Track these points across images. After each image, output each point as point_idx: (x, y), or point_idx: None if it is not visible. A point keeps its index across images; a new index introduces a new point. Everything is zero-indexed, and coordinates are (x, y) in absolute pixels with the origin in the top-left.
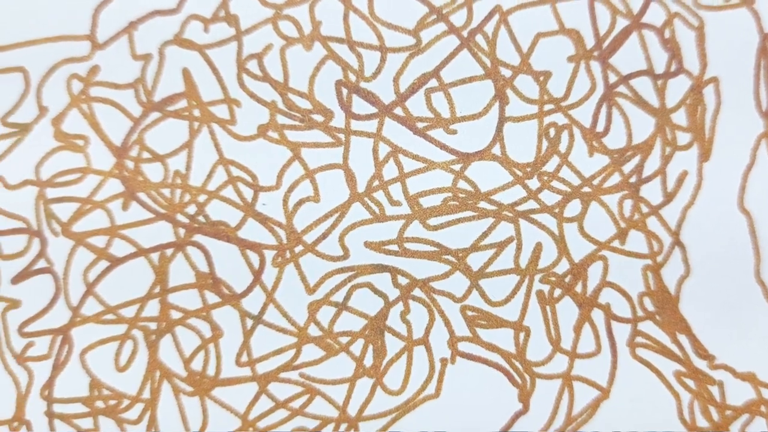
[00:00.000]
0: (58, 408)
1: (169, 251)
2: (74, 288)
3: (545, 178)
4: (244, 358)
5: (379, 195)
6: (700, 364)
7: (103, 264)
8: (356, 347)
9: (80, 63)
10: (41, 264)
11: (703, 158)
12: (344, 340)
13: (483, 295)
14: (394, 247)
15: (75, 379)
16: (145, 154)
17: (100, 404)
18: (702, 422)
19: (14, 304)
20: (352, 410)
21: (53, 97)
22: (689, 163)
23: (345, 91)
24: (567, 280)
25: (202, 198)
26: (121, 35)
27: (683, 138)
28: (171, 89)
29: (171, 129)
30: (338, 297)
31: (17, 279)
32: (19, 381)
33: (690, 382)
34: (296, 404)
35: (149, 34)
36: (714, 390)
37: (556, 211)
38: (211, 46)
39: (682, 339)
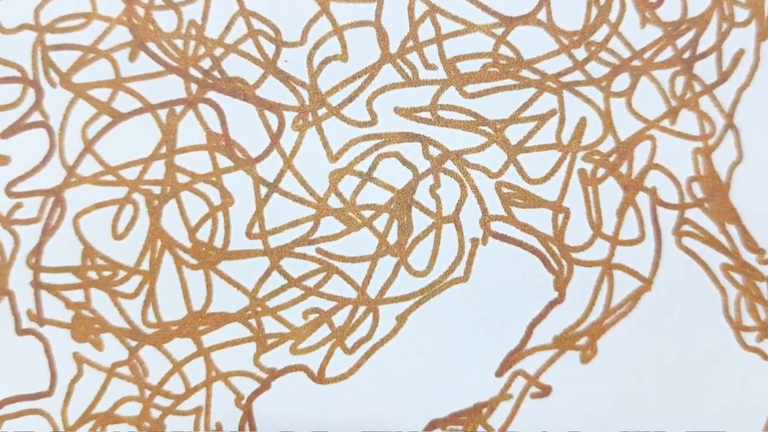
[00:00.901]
0: (45, 278)
1: (178, 108)
2: (71, 145)
3: (593, 48)
4: (256, 229)
5: (413, 57)
6: (750, 257)
7: (105, 119)
8: (380, 222)
9: None
10: (35, 117)
11: (762, 37)
12: (367, 213)
13: (520, 171)
14: (426, 115)
15: (66, 247)
16: (158, 1)
17: (92, 275)
18: (748, 320)
19: (3, 160)
20: (372, 291)
21: None
22: (746, 41)
23: None
24: (612, 159)
25: (218, 51)
26: None
27: (741, 14)
28: None
29: None
30: (363, 166)
31: (7, 132)
32: (2, 247)
33: (737, 277)
34: (311, 282)
35: None
36: (762, 286)
37: (603, 84)
38: None
39: (731, 229)
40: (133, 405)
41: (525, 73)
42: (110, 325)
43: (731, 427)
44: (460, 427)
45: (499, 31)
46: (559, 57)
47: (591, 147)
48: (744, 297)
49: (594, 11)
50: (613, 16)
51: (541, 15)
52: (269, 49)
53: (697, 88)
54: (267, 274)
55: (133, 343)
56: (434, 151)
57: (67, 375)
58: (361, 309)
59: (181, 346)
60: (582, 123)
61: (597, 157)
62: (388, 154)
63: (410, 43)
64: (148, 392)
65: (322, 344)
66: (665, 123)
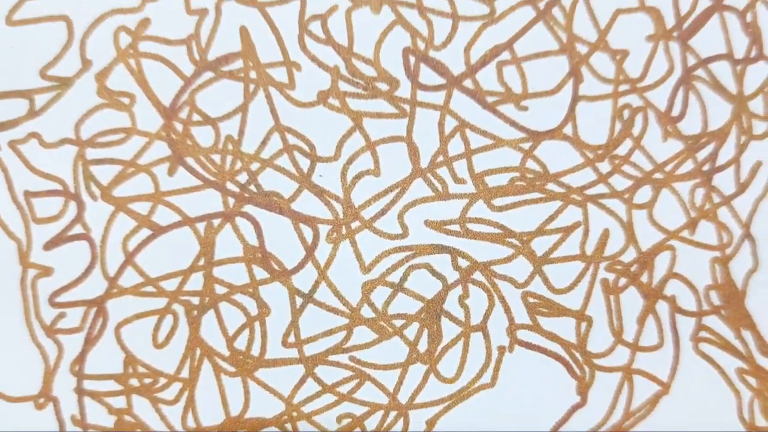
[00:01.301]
0: (88, 385)
1: (216, 221)
2: (112, 257)
3: (616, 161)
4: (292, 338)
5: (443, 171)
6: (763, 361)
7: (145, 232)
8: (411, 331)
9: (129, 14)
10: (77, 230)
11: None
12: (398, 323)
13: (546, 281)
14: (455, 227)
15: (108, 355)
16: (196, 117)
17: (134, 382)
18: (762, 422)
19: (46, 271)
20: (403, 397)
21: (98, 50)
22: (765, 153)
23: (413, 60)
24: (633, 269)
25: (254, 166)
26: None
27: (760, 127)
28: (227, 48)
29: (225, 91)
30: (394, 277)
31: (50, 245)
32: (47, 354)
33: (752, 380)
34: (344, 389)
35: None
36: None
37: (626, 196)
38: (272, 4)
39: (747, 335)
40: None
41: (551, 186)
42: (152, 430)
43: None
44: None
45: (526, 145)
46: (583, 170)
47: (613, 257)
48: (757, 399)
49: (618, 126)
50: (636, 130)
51: (567, 129)
52: (304, 163)
53: (716, 199)
54: (302, 381)
55: None
56: (463, 263)
57: None
58: (392, 414)
59: None
60: (605, 234)
61: (619, 267)
62: (418, 266)
63: (440, 158)
64: None
65: None
66: (685, 233)
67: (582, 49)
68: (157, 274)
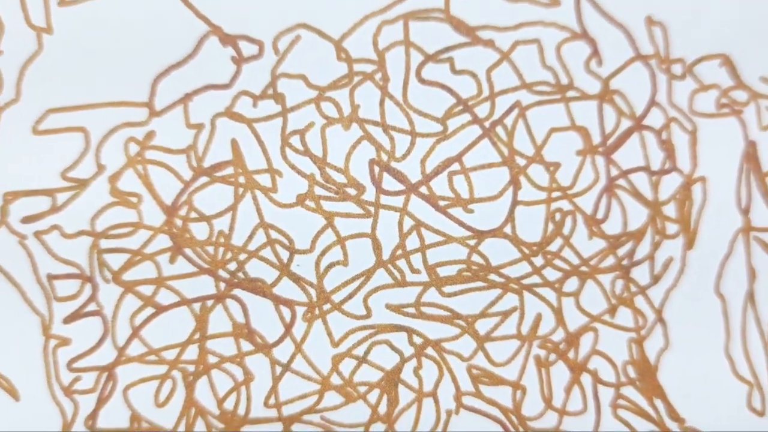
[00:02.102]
0: None
1: (209, 302)
2: (121, 330)
3: (549, 256)
4: (272, 400)
5: (402, 263)
6: (672, 425)
7: (149, 310)
8: (372, 396)
9: (137, 127)
10: (92, 307)
11: (688, 247)
12: (362, 389)
13: (487, 356)
14: (411, 310)
15: (117, 413)
16: (193, 214)
17: None
18: None
19: (65, 341)
20: None
21: (111, 156)
22: (675, 251)
23: (377, 169)
24: (561, 347)
25: (242, 256)
26: (176, 105)
27: (671, 228)
28: (219, 157)
29: (217, 193)
30: (359, 351)
31: (69, 319)
32: (65, 411)
33: None
34: None
35: (203, 105)
36: None
37: (557, 286)
38: (258, 120)
39: (658, 403)
40: None
41: (492, 276)
42: None
43: None
44: None
45: (472, 242)
46: (520, 263)
47: (545, 337)
48: None
49: (550, 226)
50: (566, 230)
51: (507, 229)
52: (284, 255)
53: (633, 289)
54: None
55: None
56: (417, 340)
57: None
58: None
59: None
60: (538, 318)
61: (550, 345)
62: (379, 342)
63: (399, 252)
64: None
65: None
66: (606, 317)
67: (521, 161)
68: (158, 346)
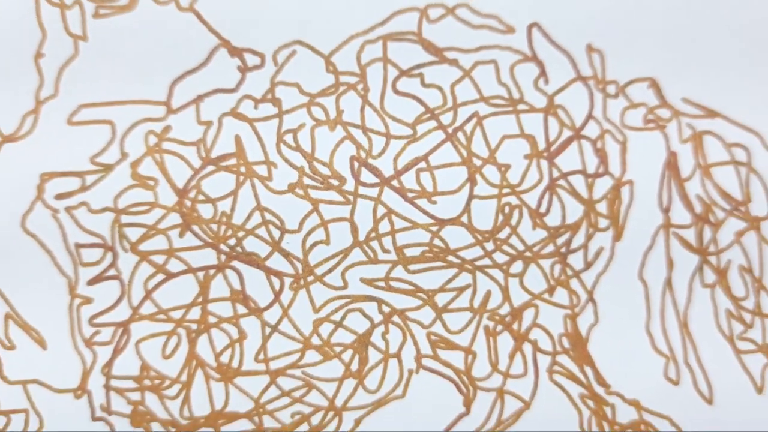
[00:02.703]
0: (114, 383)
1: (211, 271)
2: (136, 292)
3: (498, 242)
4: (261, 356)
5: (374, 244)
6: (599, 390)
7: (160, 276)
8: (346, 355)
9: (156, 122)
10: (112, 272)
11: (616, 239)
12: (338, 349)
13: (444, 325)
14: (381, 284)
15: (129, 362)
16: (201, 197)
17: (147, 382)
18: None
19: (87, 300)
20: (339, 402)
21: (133, 146)
22: (605, 241)
23: (356, 164)
24: (507, 319)
25: (240, 234)
26: (190, 104)
27: (603, 222)
28: (224, 149)
29: (222, 180)
30: (336, 317)
31: (91, 282)
32: (85, 359)
33: (590, 403)
34: (297, 394)
35: (212, 106)
36: (607, 410)
37: (504, 268)
38: (258, 120)
39: (588, 371)
40: None
41: (451, 258)
42: (157, 416)
43: None
44: None
45: (434, 228)
46: (474, 248)
47: (493, 310)
48: (594, 417)
49: (500, 217)
50: (513, 221)
51: (464, 218)
52: (276, 234)
53: (569, 272)
54: (267, 387)
55: (173, 430)
56: (386, 309)
57: None
58: (330, 414)
59: None
60: (488, 294)
61: (497, 318)
62: (354, 309)
63: (373, 234)
64: None
65: None
66: (546, 296)
67: (477, 162)
68: (167, 306)
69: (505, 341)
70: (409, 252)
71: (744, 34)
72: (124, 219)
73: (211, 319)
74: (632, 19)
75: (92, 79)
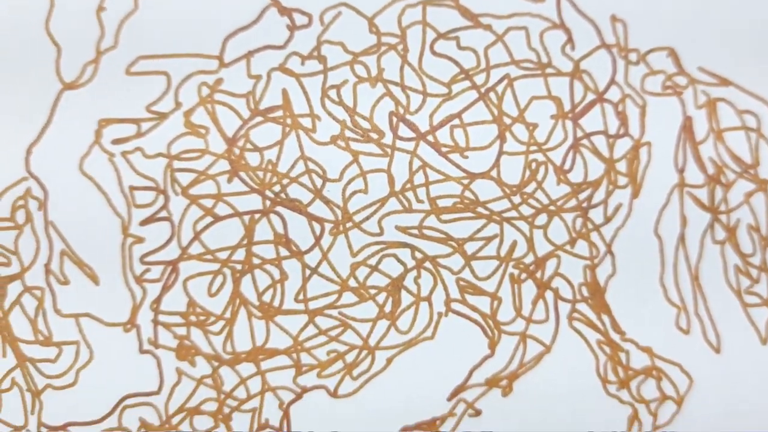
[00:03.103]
0: (162, 318)
1: (256, 216)
2: (185, 234)
3: (525, 196)
4: (301, 297)
5: (410, 194)
6: (615, 336)
7: (208, 219)
8: (380, 298)
9: (209, 75)
10: (163, 214)
11: (634, 196)
12: (373, 291)
13: (472, 271)
14: (415, 232)
15: (177, 299)
16: (249, 146)
17: (193, 318)
18: (612, 377)
19: (139, 240)
20: (372, 341)
21: (187, 96)
22: (624, 198)
23: (395, 120)
24: (531, 268)
25: (285, 181)
26: (241, 59)
27: (622, 180)
28: (272, 102)
29: (269, 130)
30: (372, 261)
31: (144, 222)
32: (135, 296)
33: (606, 349)
34: (333, 333)
35: (262, 61)
36: (622, 356)
37: (530, 220)
38: (304, 76)
39: (605, 318)
40: (212, 404)
41: (480, 209)
42: (202, 351)
43: None
44: None
45: (465, 181)
46: (502, 200)
47: (518, 259)
48: (609, 361)
49: (527, 172)
50: (540, 176)
51: (494, 173)
52: (318, 182)
53: (590, 226)
54: (305, 326)
55: (215, 364)
56: (418, 255)
57: (170, 382)
58: (364, 353)
59: (247, 368)
60: (514, 244)
61: (522, 266)
62: (388, 255)
63: (408, 185)
64: (222, 396)
65: (337, 373)
66: (567, 247)
67: (507, 120)
68: (214, 248)
69: (529, 288)
70: (441, 203)
71: (756, 11)
72: (176, 164)
73: (255, 261)
74: None
75: (150, 32)
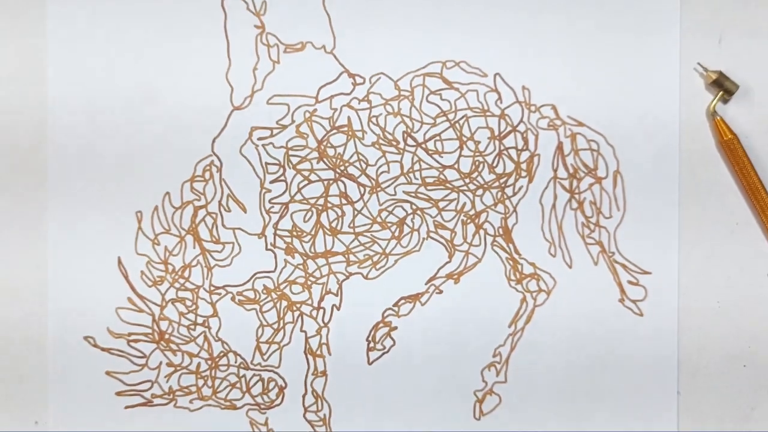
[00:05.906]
0: (279, 232)
1: (330, 181)
2: (293, 189)
3: (471, 178)
4: (351, 225)
5: (411, 175)
6: (516, 256)
7: (305, 183)
8: (393, 229)
9: (309, 106)
10: (281, 178)
11: (529, 182)
12: (389, 224)
13: (442, 217)
14: (413, 194)
15: (286, 223)
16: (329, 144)
17: (295, 233)
18: (513, 277)
19: (269, 191)
20: (388, 251)
21: (297, 115)
22: (524, 183)
23: (406, 136)
24: (473, 217)
25: (347, 164)
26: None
27: (524, 174)
28: (342, 121)
29: (340, 138)
30: (389, 208)
31: (272, 182)
32: (265, 219)
33: (510, 262)
34: (368, 244)
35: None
36: (519, 267)
37: (474, 191)
38: (361, 110)
39: (510, 246)
40: (300, 282)
41: (448, 185)
42: (298, 250)
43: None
44: None
45: (441, 169)
46: (459, 180)
47: (467, 212)
48: (512, 269)
49: (474, 167)
50: (480, 169)
51: (456, 166)
52: (363, 166)
53: (506, 196)
54: (353, 240)
55: (306, 257)
56: (414, 207)
57: (280, 266)
58: (383, 257)
59: (321, 261)
60: (464, 204)
61: (468, 216)
62: (398, 205)
63: (410, 170)
64: (309, 278)
65: (369, 266)
66: (492, 207)
67: (465, 138)
68: (309, 197)
69: (471, 228)
70: (428, 180)
71: (598, 85)
72: (291, 153)
73: (329, 204)
74: None
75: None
